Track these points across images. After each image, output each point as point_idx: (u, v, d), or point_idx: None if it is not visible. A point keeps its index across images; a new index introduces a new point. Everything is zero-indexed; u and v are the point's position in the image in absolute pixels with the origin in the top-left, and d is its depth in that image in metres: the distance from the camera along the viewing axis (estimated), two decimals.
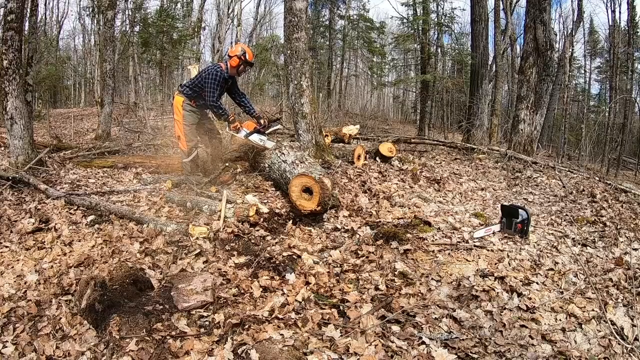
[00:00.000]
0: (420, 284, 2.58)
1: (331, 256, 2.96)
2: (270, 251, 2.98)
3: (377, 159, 5.84)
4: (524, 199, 4.97)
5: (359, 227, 3.47)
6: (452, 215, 3.87)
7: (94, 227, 3.30)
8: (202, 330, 2.11)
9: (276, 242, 3.15)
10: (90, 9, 18.49)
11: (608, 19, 19.61)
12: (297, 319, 2.20)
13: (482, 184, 5.58)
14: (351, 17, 20.64)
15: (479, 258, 2.86)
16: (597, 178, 5.92)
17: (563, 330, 2.14)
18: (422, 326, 2.17)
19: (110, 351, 1.90)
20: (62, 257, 2.83)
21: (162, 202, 3.90)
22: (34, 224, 3.26)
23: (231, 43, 20.07)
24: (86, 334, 2.00)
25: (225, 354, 1.89)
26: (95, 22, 17.33)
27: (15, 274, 2.61)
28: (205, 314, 2.24)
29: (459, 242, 3.12)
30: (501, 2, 11.98)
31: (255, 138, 4.53)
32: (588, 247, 3.18)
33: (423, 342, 2.03)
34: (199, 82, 4.24)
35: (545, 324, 2.18)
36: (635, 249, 3.13)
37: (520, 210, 3.25)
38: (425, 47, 15.21)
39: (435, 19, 15.48)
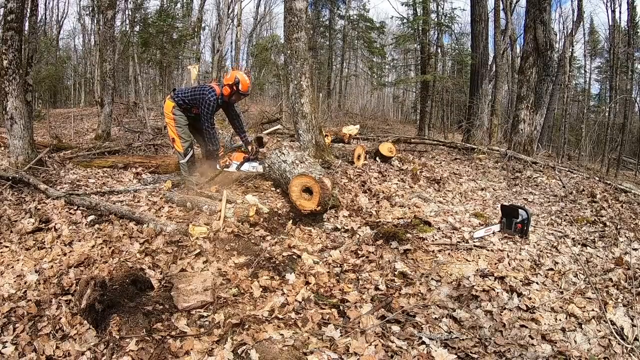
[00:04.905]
0: (420, 284, 2.58)
1: (331, 256, 2.96)
2: (270, 251, 2.98)
3: (377, 159, 5.84)
4: (524, 199, 4.97)
5: (359, 227, 3.47)
6: (452, 215, 3.87)
7: (94, 227, 3.30)
8: (202, 330, 2.11)
9: (276, 242, 3.15)
10: (90, 9, 18.49)
11: (608, 19, 19.60)
12: (297, 319, 2.20)
13: (482, 184, 5.58)
14: (351, 17, 20.65)
15: (479, 258, 2.86)
16: (597, 178, 5.92)
17: (563, 330, 2.14)
18: (422, 326, 2.17)
19: (110, 351, 1.90)
20: (62, 257, 2.82)
21: (162, 202, 3.90)
22: (34, 224, 3.26)
23: (231, 43, 20.10)
24: (86, 334, 2.00)
25: (225, 354, 1.89)
26: (95, 22, 17.33)
27: (15, 274, 2.61)
28: (205, 314, 2.24)
29: (459, 242, 3.12)
30: (501, 2, 11.96)
31: (247, 167, 4.57)
32: (588, 247, 3.17)
33: (423, 342, 2.03)
34: (193, 98, 4.29)
35: (545, 324, 2.18)
36: (635, 249, 3.13)
37: (520, 210, 3.25)
38: (425, 47, 15.20)
39: (435, 19, 15.46)
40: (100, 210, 3.55)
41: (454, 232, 3.34)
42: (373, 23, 20.51)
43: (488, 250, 2.99)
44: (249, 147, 4.63)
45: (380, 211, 3.93)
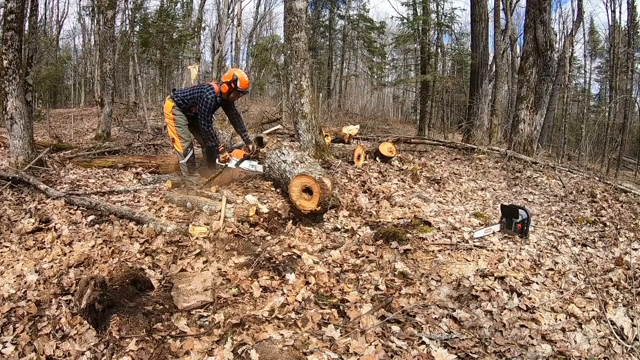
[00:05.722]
0: (420, 284, 2.58)
1: (331, 256, 2.96)
2: (270, 251, 2.98)
3: (377, 159, 5.84)
4: (524, 199, 4.97)
5: (359, 227, 3.47)
6: (452, 215, 3.87)
7: (94, 227, 3.30)
8: (202, 330, 2.11)
9: (276, 242, 3.15)
10: (90, 9, 18.49)
11: (608, 19, 19.62)
12: (297, 319, 2.20)
13: (482, 184, 5.58)
14: (351, 17, 20.66)
15: (479, 258, 2.86)
16: (597, 178, 5.92)
17: (563, 330, 2.14)
18: (422, 326, 2.17)
19: (110, 351, 1.90)
20: (62, 257, 2.82)
21: (162, 202, 3.89)
22: (34, 224, 3.25)
23: (231, 43, 20.08)
24: (86, 334, 2.00)
25: (225, 354, 1.89)
26: (95, 22, 17.30)
27: (15, 274, 2.60)
28: (205, 313, 2.24)
29: (459, 242, 3.12)
30: (501, 2, 11.98)
31: (246, 165, 4.54)
32: (588, 247, 3.17)
33: (423, 342, 2.03)
34: (192, 98, 4.30)
35: (545, 324, 2.18)
36: (635, 249, 3.13)
37: (520, 210, 3.25)
38: (425, 47, 15.22)
39: (435, 19, 15.48)
40: (100, 210, 3.55)
41: (454, 232, 3.34)
42: (373, 23, 20.52)
43: (488, 250, 2.99)
44: (250, 146, 4.63)
45: (380, 211, 3.93)
